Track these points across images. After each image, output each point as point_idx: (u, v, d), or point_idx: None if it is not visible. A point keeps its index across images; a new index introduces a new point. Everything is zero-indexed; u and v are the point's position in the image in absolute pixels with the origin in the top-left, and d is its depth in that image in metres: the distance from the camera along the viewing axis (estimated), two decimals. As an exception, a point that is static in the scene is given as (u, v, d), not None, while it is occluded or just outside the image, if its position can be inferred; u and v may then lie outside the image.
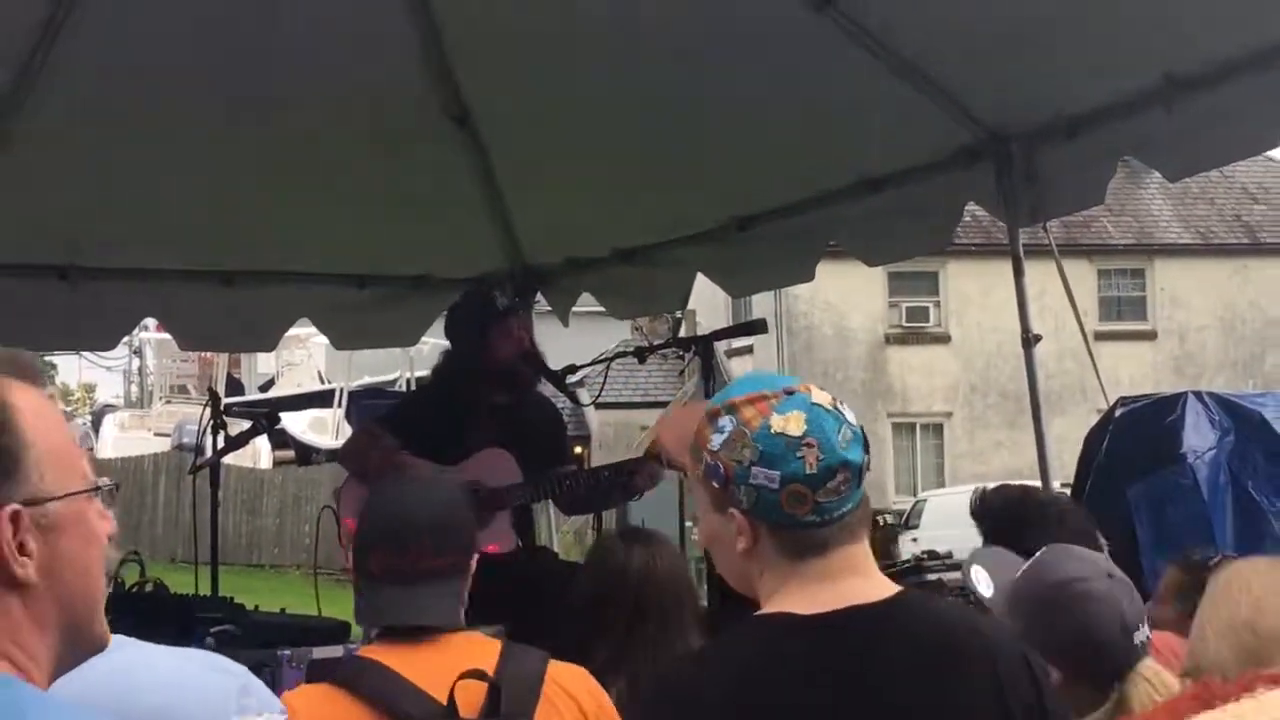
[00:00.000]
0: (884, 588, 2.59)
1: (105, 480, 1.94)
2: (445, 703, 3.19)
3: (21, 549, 1.80)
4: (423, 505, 3.59)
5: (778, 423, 2.51)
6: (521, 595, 5.54)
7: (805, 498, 2.50)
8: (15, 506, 1.80)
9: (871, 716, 2.47)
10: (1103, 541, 3.96)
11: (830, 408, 2.56)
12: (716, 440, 2.57)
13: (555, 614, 4.68)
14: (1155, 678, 3.02)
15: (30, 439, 1.84)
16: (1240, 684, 1.92)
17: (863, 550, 2.60)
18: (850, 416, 2.58)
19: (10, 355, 1.93)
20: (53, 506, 1.84)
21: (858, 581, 2.56)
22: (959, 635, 2.59)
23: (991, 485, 4.33)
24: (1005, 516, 4.06)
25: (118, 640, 2.65)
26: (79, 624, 1.90)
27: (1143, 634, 3.15)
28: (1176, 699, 2.03)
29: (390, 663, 3.31)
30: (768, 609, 2.58)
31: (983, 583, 3.40)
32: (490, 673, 3.23)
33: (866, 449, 2.59)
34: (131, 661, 2.58)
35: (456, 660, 3.29)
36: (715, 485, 2.58)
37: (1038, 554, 3.42)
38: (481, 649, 3.36)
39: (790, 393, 2.57)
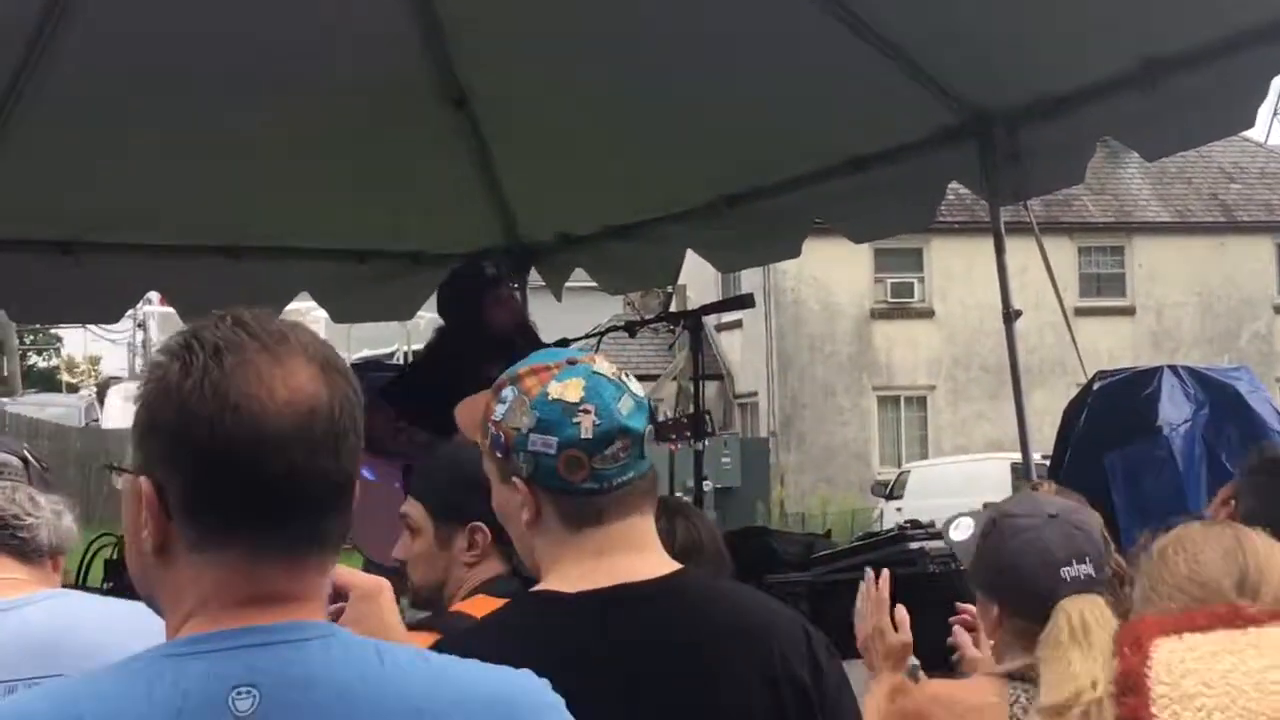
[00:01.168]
0: (659, 566, 2.53)
1: None
2: None
3: None
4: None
5: (555, 390, 2.48)
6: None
7: (582, 463, 2.45)
8: None
9: (626, 697, 2.41)
10: None
11: (612, 377, 2.52)
12: (499, 410, 2.54)
13: None
14: (1076, 611, 2.95)
15: None
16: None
17: (644, 524, 2.55)
18: (635, 387, 2.54)
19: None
20: None
21: (632, 558, 2.51)
22: (726, 614, 2.54)
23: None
24: None
25: (51, 591, 2.69)
26: None
27: (1077, 571, 3.12)
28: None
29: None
30: (539, 586, 2.54)
31: (960, 528, 3.42)
32: None
33: (652, 420, 2.54)
34: (72, 605, 2.64)
35: None
36: (499, 455, 2.54)
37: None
38: None
39: (572, 363, 2.54)
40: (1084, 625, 2.90)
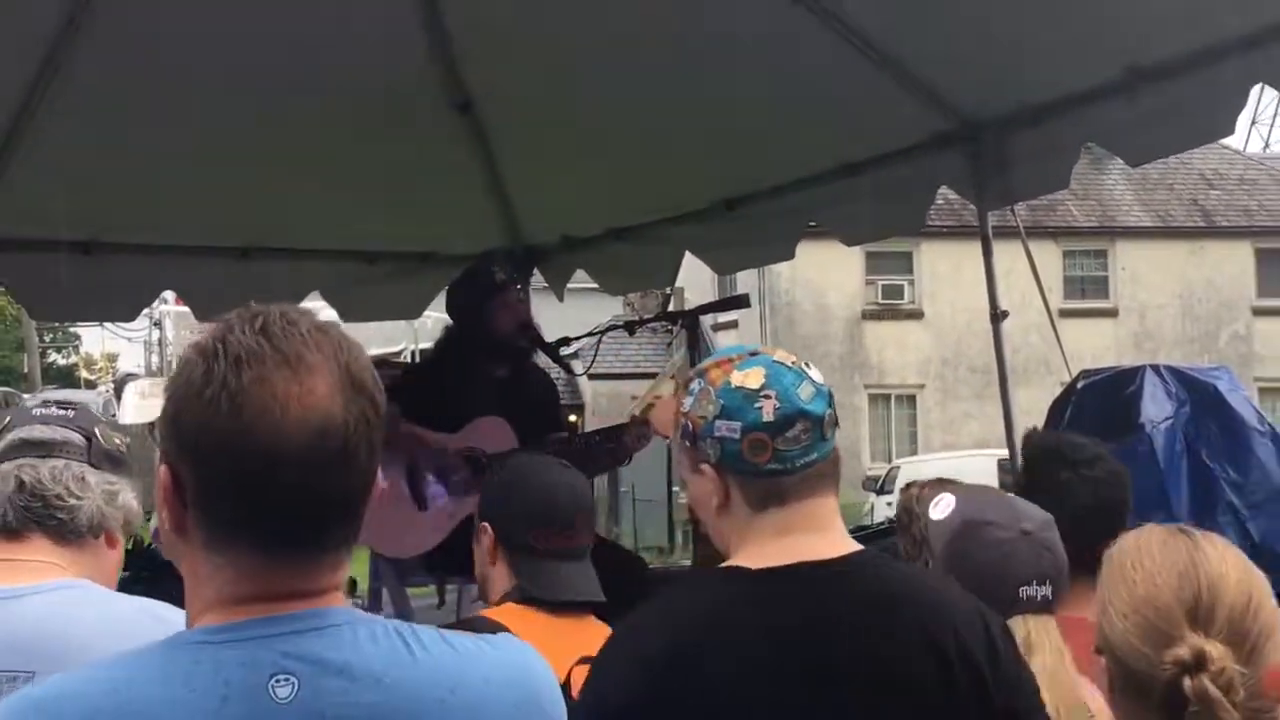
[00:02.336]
0: (841, 546, 2.57)
1: None
2: (562, 681, 3.18)
3: None
4: (575, 487, 3.62)
5: (737, 378, 2.54)
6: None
7: (765, 445, 2.51)
8: None
9: (807, 672, 2.43)
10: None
11: (792, 365, 2.57)
12: (688, 402, 2.60)
13: None
14: (1024, 630, 3.00)
15: None
16: None
17: (827, 505, 2.59)
18: (815, 374, 2.58)
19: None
20: None
21: (813, 538, 2.55)
22: (906, 596, 2.56)
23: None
24: (1039, 456, 4.16)
25: (68, 581, 2.66)
26: None
27: (1035, 591, 3.13)
28: None
29: (516, 629, 3.29)
30: (727, 563, 2.58)
31: (940, 506, 3.40)
32: None
33: (831, 405, 2.59)
34: (67, 599, 2.60)
35: (575, 639, 3.27)
36: (687, 444, 2.60)
37: (981, 492, 3.45)
38: (598, 633, 3.29)
39: (754, 354, 2.60)
40: (1028, 644, 2.96)
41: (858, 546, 2.60)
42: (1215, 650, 2.27)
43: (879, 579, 2.58)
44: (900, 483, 28.97)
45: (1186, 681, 2.24)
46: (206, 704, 1.71)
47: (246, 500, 1.77)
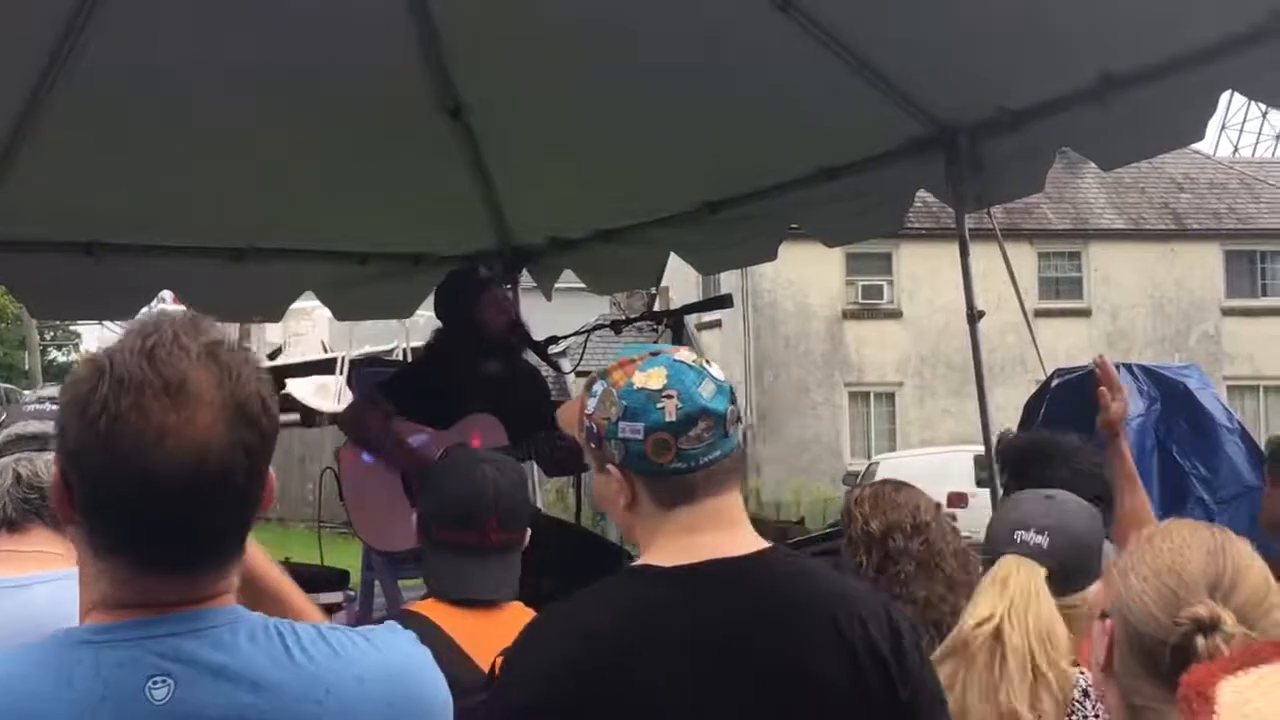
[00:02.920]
0: (750, 543, 2.55)
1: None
2: (487, 672, 3.17)
3: None
4: (495, 484, 3.54)
5: (639, 379, 2.51)
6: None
7: (669, 445, 2.48)
8: None
9: (722, 665, 2.42)
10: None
11: (693, 364, 2.54)
12: (591, 404, 2.58)
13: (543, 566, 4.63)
14: (1005, 566, 3.17)
15: None
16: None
17: (733, 502, 2.57)
18: (716, 372, 2.56)
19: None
20: None
21: (722, 535, 2.52)
22: (812, 591, 2.55)
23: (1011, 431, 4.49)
24: (1017, 456, 4.21)
25: (69, 571, 2.66)
26: None
27: (1030, 538, 3.24)
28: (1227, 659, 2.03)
29: (443, 624, 3.27)
30: (637, 562, 2.56)
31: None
32: None
33: (733, 401, 2.56)
34: (69, 588, 2.58)
35: (502, 630, 3.24)
36: (593, 446, 2.58)
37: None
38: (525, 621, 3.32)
39: (655, 354, 2.57)
40: (1004, 577, 3.12)
41: (766, 544, 2.59)
42: (1230, 617, 2.27)
43: (789, 575, 2.58)
44: (879, 478, 29.04)
45: (1200, 640, 2.25)
46: (85, 703, 1.71)
47: (122, 521, 1.77)
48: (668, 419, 2.48)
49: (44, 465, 2.71)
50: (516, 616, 3.35)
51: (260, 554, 2.19)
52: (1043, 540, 3.22)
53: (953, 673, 3.12)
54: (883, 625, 2.51)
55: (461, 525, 3.43)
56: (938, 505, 4.63)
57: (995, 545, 3.30)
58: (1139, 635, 2.32)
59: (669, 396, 2.48)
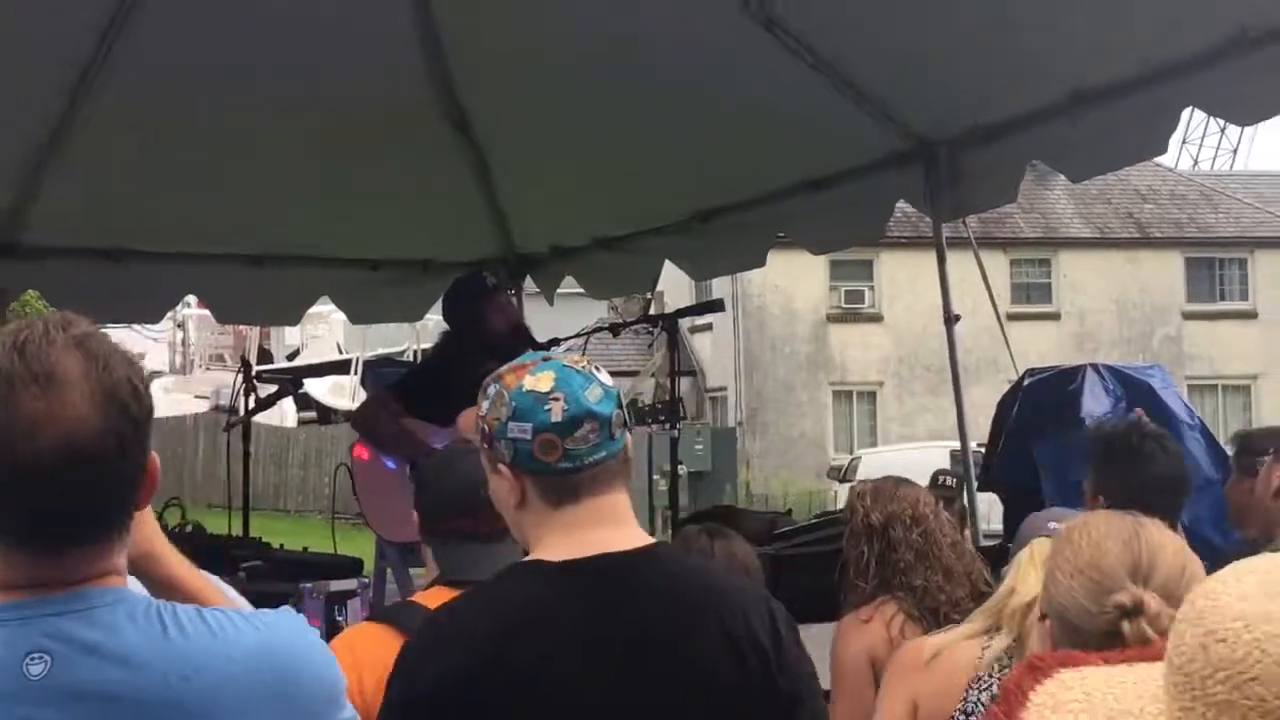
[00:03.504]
0: (636, 539, 2.53)
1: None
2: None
3: None
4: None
5: (529, 382, 2.50)
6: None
7: (555, 445, 2.46)
8: None
9: (610, 656, 2.40)
10: None
11: (581, 369, 2.53)
12: (484, 406, 2.57)
13: None
14: (1037, 545, 3.37)
15: None
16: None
17: (619, 500, 2.54)
18: (603, 378, 2.54)
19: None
20: None
21: (609, 531, 2.50)
22: (697, 584, 2.55)
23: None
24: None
25: None
26: None
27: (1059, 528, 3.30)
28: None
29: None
30: (526, 558, 2.54)
31: None
32: None
33: (620, 406, 2.53)
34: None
35: None
36: (486, 446, 2.57)
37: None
38: None
39: (547, 360, 2.56)
40: (1035, 555, 3.32)
41: (651, 540, 2.58)
42: (1153, 600, 2.27)
43: (674, 570, 2.57)
44: (861, 471, 29.02)
45: (1125, 625, 2.25)
46: None
47: (2, 507, 1.76)
48: (554, 420, 2.46)
49: None
50: None
51: (157, 539, 2.15)
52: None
53: (1008, 647, 3.29)
54: (764, 618, 2.51)
55: (464, 513, 3.42)
56: (936, 499, 4.64)
57: (1026, 539, 3.48)
58: (1075, 629, 2.34)
59: (556, 399, 2.47)
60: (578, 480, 2.49)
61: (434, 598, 3.33)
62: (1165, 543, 2.42)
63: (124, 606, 1.80)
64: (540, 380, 2.50)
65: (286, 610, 2.02)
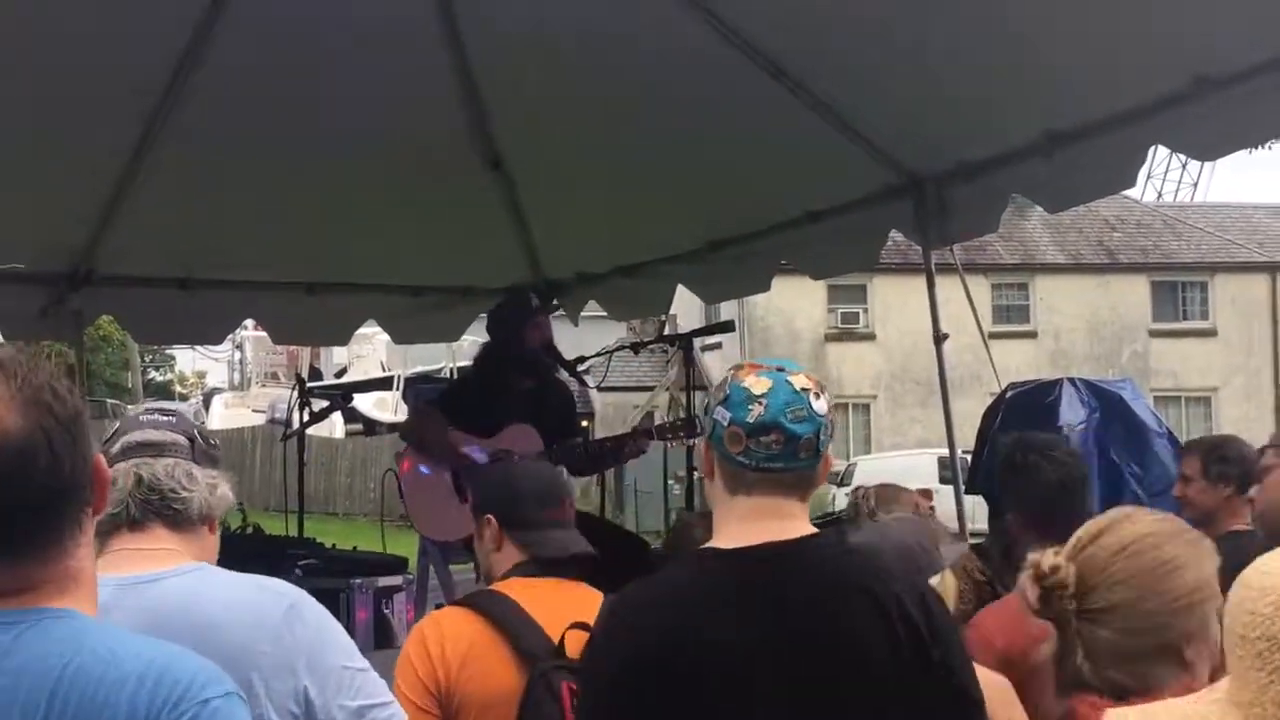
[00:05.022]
0: (800, 529, 2.54)
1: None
2: (557, 642, 3.14)
3: None
4: (557, 474, 3.72)
5: (750, 381, 2.53)
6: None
7: (740, 439, 2.50)
8: None
9: (780, 633, 2.41)
10: None
11: (799, 389, 2.53)
12: (713, 386, 2.64)
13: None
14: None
15: None
16: None
17: (789, 504, 2.55)
18: (817, 405, 2.53)
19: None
20: None
21: (776, 523, 2.52)
22: (857, 569, 2.56)
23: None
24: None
25: (193, 565, 2.63)
26: None
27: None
28: None
29: (518, 599, 3.26)
30: (706, 545, 2.57)
31: None
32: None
33: (819, 434, 2.53)
34: (198, 580, 2.55)
35: (569, 603, 3.24)
36: (701, 415, 2.66)
37: None
38: (590, 598, 3.27)
39: (780, 369, 2.57)
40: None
41: (815, 530, 2.58)
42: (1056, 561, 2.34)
43: (834, 554, 2.58)
44: (857, 477, 28.97)
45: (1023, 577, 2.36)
46: None
47: None
48: (748, 419, 2.49)
49: (162, 469, 2.67)
50: (579, 590, 3.36)
51: None
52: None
53: None
54: (915, 594, 2.53)
55: (549, 506, 3.46)
56: (931, 507, 4.64)
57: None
58: None
59: (759, 403, 2.50)
60: (750, 478, 2.52)
61: (511, 586, 3.33)
62: (1140, 525, 2.43)
63: (51, 624, 1.71)
64: (759, 384, 2.53)
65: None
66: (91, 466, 1.78)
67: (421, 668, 3.13)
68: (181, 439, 2.73)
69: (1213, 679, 2.14)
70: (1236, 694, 1.71)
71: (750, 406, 2.50)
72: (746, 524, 2.52)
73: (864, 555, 2.74)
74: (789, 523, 2.54)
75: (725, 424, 2.52)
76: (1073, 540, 2.46)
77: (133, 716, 1.64)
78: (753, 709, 2.37)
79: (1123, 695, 2.23)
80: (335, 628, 2.60)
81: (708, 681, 2.37)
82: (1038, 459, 4.03)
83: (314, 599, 2.60)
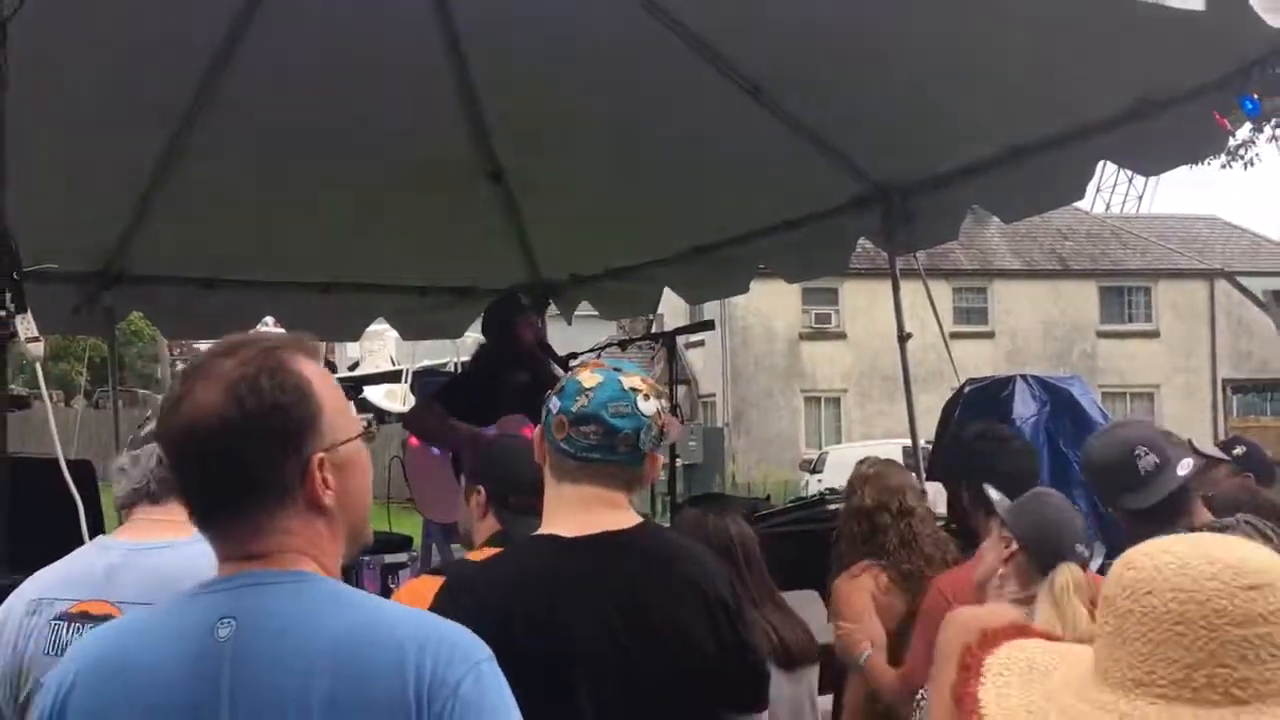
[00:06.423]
0: (630, 519, 2.54)
1: (366, 418, 1.93)
2: None
3: (325, 484, 1.79)
4: None
5: (585, 375, 2.53)
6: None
7: (564, 427, 2.50)
8: (320, 454, 1.79)
9: (619, 614, 2.42)
10: None
11: (627, 388, 2.51)
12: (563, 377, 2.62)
13: None
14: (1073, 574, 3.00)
15: (321, 401, 1.81)
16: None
17: (614, 495, 2.53)
18: (644, 406, 2.50)
19: (297, 338, 1.89)
20: (342, 449, 1.83)
21: (607, 512, 2.51)
22: (680, 555, 2.58)
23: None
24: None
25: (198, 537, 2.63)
26: (358, 532, 1.89)
27: (1081, 551, 3.09)
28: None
29: None
30: (540, 531, 2.55)
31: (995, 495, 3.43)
32: None
33: (639, 433, 2.49)
34: (208, 551, 2.55)
35: None
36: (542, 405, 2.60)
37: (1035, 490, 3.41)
38: None
39: (616, 369, 2.55)
40: (1076, 586, 2.95)
41: (640, 519, 2.58)
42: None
43: (660, 543, 2.60)
44: (828, 465, 29.01)
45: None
46: (180, 638, 1.75)
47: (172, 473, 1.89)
48: (572, 409, 2.49)
49: None
50: None
51: None
52: (1085, 552, 3.13)
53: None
54: (725, 578, 2.58)
55: (537, 494, 3.44)
56: (922, 491, 4.63)
57: (1059, 551, 3.09)
58: None
59: (587, 395, 2.48)
60: (571, 465, 2.50)
61: (488, 555, 3.32)
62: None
63: (307, 585, 1.78)
64: (591, 379, 2.52)
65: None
66: (297, 460, 1.79)
67: None
68: None
69: None
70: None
71: (578, 398, 2.49)
72: (579, 513, 2.50)
73: (683, 541, 2.76)
74: (617, 513, 2.53)
75: (554, 412, 2.51)
76: None
77: (419, 676, 1.69)
78: (600, 688, 2.37)
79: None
80: None
81: (551, 663, 2.34)
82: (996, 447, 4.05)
83: None
